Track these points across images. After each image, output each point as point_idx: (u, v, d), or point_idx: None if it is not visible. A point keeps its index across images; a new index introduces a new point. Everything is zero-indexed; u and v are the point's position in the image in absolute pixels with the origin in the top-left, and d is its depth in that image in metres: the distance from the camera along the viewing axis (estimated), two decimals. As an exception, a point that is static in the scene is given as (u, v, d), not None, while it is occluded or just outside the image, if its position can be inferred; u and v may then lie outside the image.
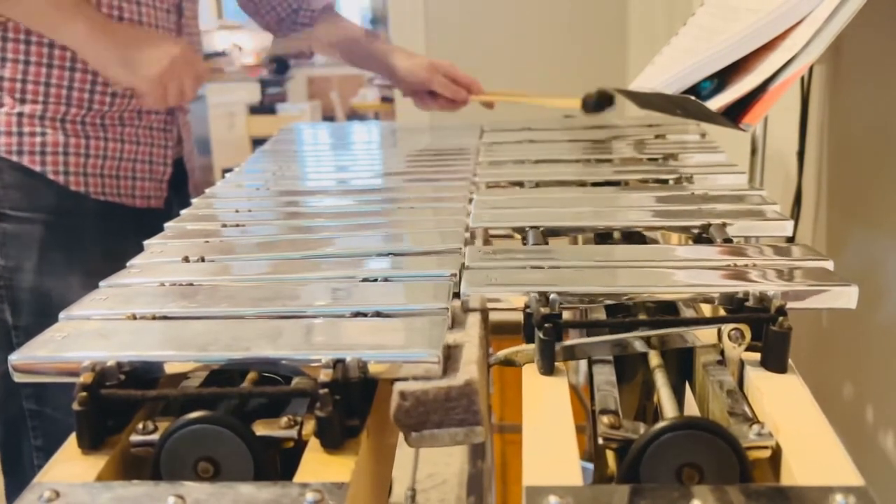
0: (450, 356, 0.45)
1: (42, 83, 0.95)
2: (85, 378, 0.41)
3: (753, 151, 1.05)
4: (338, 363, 0.42)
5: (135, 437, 0.41)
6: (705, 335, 0.47)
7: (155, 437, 0.40)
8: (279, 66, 1.40)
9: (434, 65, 1.19)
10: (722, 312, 0.49)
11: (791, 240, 0.74)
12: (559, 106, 1.14)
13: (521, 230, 0.65)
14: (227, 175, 0.92)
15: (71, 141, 0.97)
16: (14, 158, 0.95)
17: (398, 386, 0.42)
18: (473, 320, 0.51)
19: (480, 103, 1.23)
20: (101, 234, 0.99)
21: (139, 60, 0.91)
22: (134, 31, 0.95)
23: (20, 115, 0.95)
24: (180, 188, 1.13)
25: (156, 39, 0.95)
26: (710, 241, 0.62)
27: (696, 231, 0.64)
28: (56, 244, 0.97)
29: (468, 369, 0.44)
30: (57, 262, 0.97)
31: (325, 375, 0.41)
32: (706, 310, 0.53)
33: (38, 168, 0.96)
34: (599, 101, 1.08)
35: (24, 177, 0.96)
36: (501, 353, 0.48)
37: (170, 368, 0.44)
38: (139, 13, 0.99)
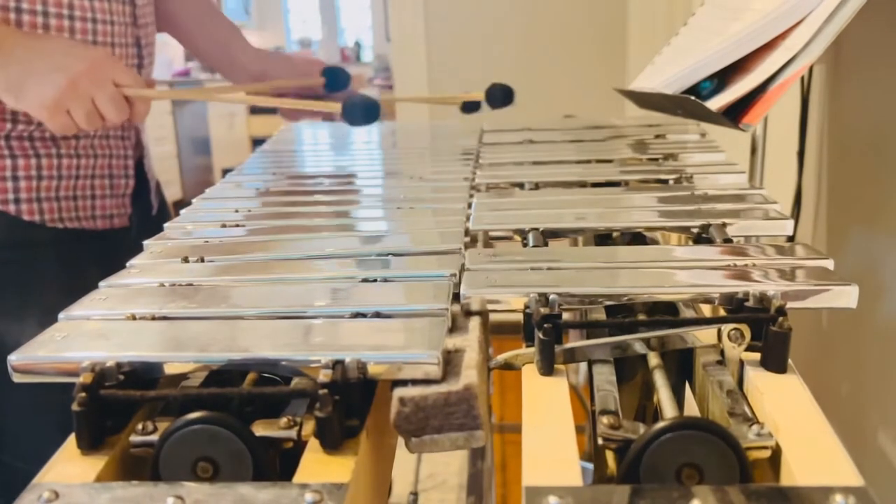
0: (450, 361, 0.45)
1: None
2: (84, 378, 0.41)
3: (753, 151, 1.05)
4: (337, 364, 0.42)
5: (134, 438, 0.41)
6: (705, 335, 0.47)
7: (154, 437, 0.40)
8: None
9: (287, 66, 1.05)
10: (722, 312, 0.49)
11: (791, 239, 0.74)
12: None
13: (521, 232, 0.65)
14: (227, 175, 0.92)
15: (20, 163, 0.85)
16: None
17: (397, 392, 0.42)
18: (473, 324, 0.51)
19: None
20: (59, 266, 0.88)
21: (28, 85, 0.76)
22: (34, 46, 0.78)
23: None
24: (139, 198, 1.00)
25: (58, 55, 0.77)
26: (710, 241, 0.62)
27: (696, 231, 0.64)
28: (8, 282, 0.86)
29: (468, 374, 0.43)
30: (10, 303, 0.86)
31: (324, 376, 0.41)
32: (706, 310, 0.53)
33: None
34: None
35: None
36: (501, 357, 0.48)
37: (169, 369, 0.44)
38: (91, 9, 0.87)
